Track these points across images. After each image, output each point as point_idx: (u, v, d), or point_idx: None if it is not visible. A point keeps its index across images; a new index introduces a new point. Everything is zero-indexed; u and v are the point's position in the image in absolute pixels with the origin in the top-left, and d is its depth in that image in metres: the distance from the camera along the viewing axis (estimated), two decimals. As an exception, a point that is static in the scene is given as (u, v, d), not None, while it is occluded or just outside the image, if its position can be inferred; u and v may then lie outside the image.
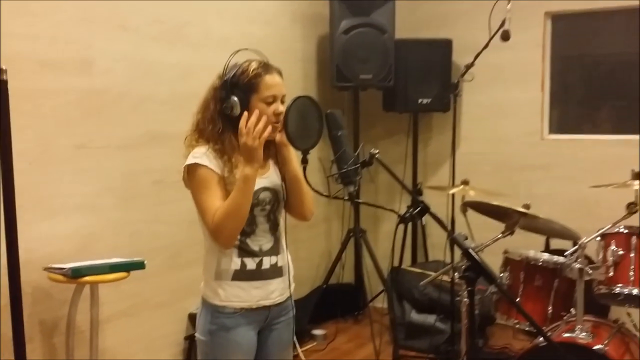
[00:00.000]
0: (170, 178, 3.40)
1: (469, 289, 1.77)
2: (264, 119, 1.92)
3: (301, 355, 3.95)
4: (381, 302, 4.64)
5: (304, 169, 1.97)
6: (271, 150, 2.06)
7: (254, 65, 2.01)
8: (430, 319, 4.13)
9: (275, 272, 2.07)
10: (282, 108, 1.99)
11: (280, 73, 2.05)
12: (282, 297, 2.11)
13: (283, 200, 2.10)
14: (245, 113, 1.93)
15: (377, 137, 4.96)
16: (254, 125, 1.90)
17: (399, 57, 4.50)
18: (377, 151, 1.91)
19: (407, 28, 4.63)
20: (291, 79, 4.49)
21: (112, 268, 2.72)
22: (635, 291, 2.82)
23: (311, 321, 4.41)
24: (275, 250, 2.08)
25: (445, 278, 3.89)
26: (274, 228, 2.08)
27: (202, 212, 1.97)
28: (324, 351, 4.19)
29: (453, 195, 3.73)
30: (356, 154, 1.93)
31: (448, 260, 3.92)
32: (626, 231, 2.92)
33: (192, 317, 3.62)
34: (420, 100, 4.58)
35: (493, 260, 3.31)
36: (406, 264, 4.73)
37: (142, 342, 3.38)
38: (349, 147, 1.93)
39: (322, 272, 4.79)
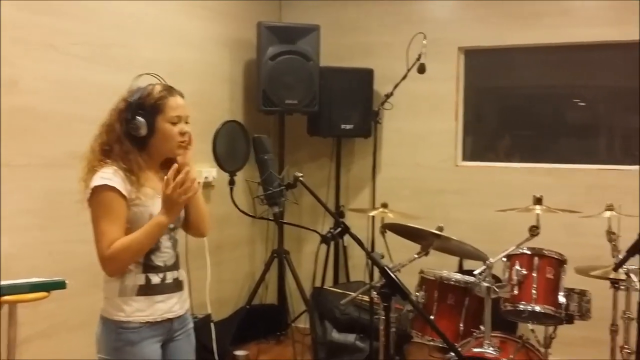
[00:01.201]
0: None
1: (385, 304, 1.89)
2: (191, 179, 1.98)
3: (223, 376, 3.97)
4: (303, 322, 4.72)
5: (231, 190, 2.06)
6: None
7: (158, 88, 2.12)
8: (351, 337, 4.24)
9: (177, 286, 2.17)
10: (187, 128, 2.11)
11: (182, 96, 2.16)
12: (182, 309, 2.21)
13: (182, 219, 2.19)
14: (175, 165, 2.00)
15: (302, 160, 5.09)
16: (182, 182, 1.96)
17: (323, 84, 4.67)
18: (301, 174, 2.03)
19: (332, 56, 4.81)
20: (218, 102, 4.63)
21: (33, 287, 2.68)
22: (537, 308, 3.04)
23: (234, 342, 4.42)
24: (176, 265, 2.18)
25: (365, 298, 4.03)
26: (174, 245, 2.18)
27: (99, 236, 2.03)
28: (245, 372, 4.22)
29: (373, 217, 3.89)
30: (281, 176, 2.03)
31: (368, 280, 4.08)
32: (529, 252, 3.15)
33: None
34: (343, 126, 4.76)
35: (410, 280, 3.48)
36: (328, 284, 4.84)
37: (61, 364, 3.31)
38: (274, 170, 2.03)
39: (246, 293, 4.84)
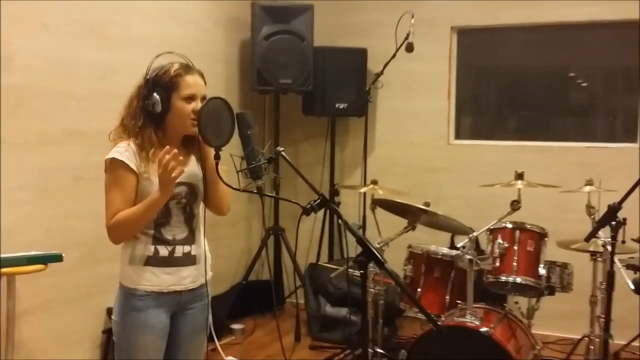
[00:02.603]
0: (88, 175, 3.47)
1: (362, 272, 1.97)
2: (179, 160, 2.00)
3: (219, 348, 4.07)
4: (298, 298, 4.82)
5: (216, 164, 2.12)
6: (194, 145, 2.21)
7: (176, 66, 2.16)
8: (343, 311, 4.36)
9: (189, 260, 2.21)
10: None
11: (202, 75, 2.20)
12: (195, 284, 2.23)
13: (201, 194, 2.24)
14: (167, 147, 2.01)
15: (297, 140, 5.17)
16: (168, 162, 1.99)
17: (317, 64, 4.72)
18: (282, 149, 2.09)
19: (325, 36, 4.85)
20: (213, 81, 4.59)
21: (30, 260, 2.77)
22: (518, 279, 3.14)
23: (230, 316, 4.54)
24: (189, 240, 2.21)
25: (357, 272, 4.13)
26: (189, 220, 2.22)
27: (106, 207, 2.11)
28: (242, 345, 4.32)
29: (364, 194, 3.97)
30: (264, 151, 2.10)
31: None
32: (511, 226, 3.23)
33: (110, 312, 3.69)
34: (337, 105, 4.81)
35: (399, 255, 3.58)
36: (323, 261, 4.94)
37: (58, 336, 3.42)
38: (257, 144, 2.09)
39: (242, 269, 4.95)
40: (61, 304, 3.43)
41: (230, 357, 3.93)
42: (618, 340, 3.35)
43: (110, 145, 2.16)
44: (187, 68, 2.17)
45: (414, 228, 3.33)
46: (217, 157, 2.12)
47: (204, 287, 2.28)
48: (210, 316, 2.33)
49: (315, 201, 2.02)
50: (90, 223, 3.51)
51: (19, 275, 2.87)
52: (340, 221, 1.99)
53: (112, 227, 2.09)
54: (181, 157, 2.03)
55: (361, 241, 1.93)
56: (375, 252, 1.92)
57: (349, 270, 3.70)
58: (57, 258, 2.89)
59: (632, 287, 2.66)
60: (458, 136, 4.89)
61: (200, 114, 2.06)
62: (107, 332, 3.66)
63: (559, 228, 3.44)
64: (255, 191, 2.09)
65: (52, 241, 3.24)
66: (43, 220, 3.28)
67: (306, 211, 2.04)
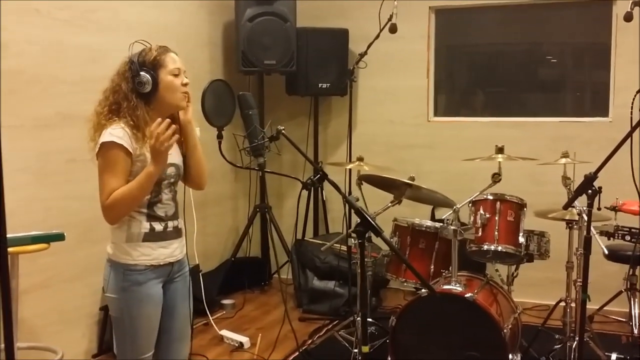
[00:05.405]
0: (82, 157, 3.50)
1: (360, 241, 2.12)
2: (172, 128, 2.14)
3: (212, 322, 4.22)
4: (285, 273, 4.98)
5: (219, 144, 2.25)
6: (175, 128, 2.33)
7: (155, 46, 2.29)
8: (330, 284, 4.53)
9: (177, 233, 2.38)
10: (187, 80, 2.28)
11: (177, 54, 2.33)
12: (182, 254, 2.41)
13: (182, 173, 2.39)
14: (159, 119, 2.14)
15: (281, 119, 5.25)
16: (163, 132, 2.12)
17: (300, 45, 4.83)
18: (282, 127, 2.22)
19: (307, 17, 4.96)
20: (198, 63, 4.78)
21: (34, 239, 2.86)
22: (499, 248, 3.32)
23: (220, 292, 4.68)
24: (176, 215, 2.38)
25: (343, 248, 4.28)
26: (174, 197, 2.38)
27: (101, 187, 2.21)
28: (233, 319, 4.47)
29: (350, 170, 4.11)
30: (264, 130, 2.23)
31: (346, 230, 4.31)
32: (492, 197, 3.41)
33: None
34: (320, 85, 4.94)
35: (385, 228, 3.70)
36: (308, 236, 5.09)
37: (58, 314, 3.53)
38: (258, 124, 2.22)
39: (230, 247, 5.08)
40: (60, 283, 3.53)
41: (224, 331, 4.07)
42: (591, 305, 3.58)
43: (92, 131, 2.24)
44: (166, 48, 2.31)
45: (400, 202, 3.49)
46: (219, 136, 2.25)
47: (186, 257, 2.46)
48: (191, 286, 2.48)
49: (315, 176, 2.17)
50: (86, 204, 3.59)
51: (22, 255, 2.96)
52: (340, 194, 2.13)
53: (109, 207, 2.19)
54: (174, 126, 2.13)
55: (359, 212, 2.07)
56: (372, 222, 2.07)
57: (336, 245, 3.88)
58: (59, 237, 2.97)
59: (606, 252, 2.85)
60: (437, 114, 5.05)
61: (203, 95, 2.18)
62: (104, 309, 3.77)
63: (534, 200, 3.62)
64: (257, 168, 2.23)
65: (51, 222, 3.33)
66: (40, 202, 3.37)
67: (306, 186, 2.18)
